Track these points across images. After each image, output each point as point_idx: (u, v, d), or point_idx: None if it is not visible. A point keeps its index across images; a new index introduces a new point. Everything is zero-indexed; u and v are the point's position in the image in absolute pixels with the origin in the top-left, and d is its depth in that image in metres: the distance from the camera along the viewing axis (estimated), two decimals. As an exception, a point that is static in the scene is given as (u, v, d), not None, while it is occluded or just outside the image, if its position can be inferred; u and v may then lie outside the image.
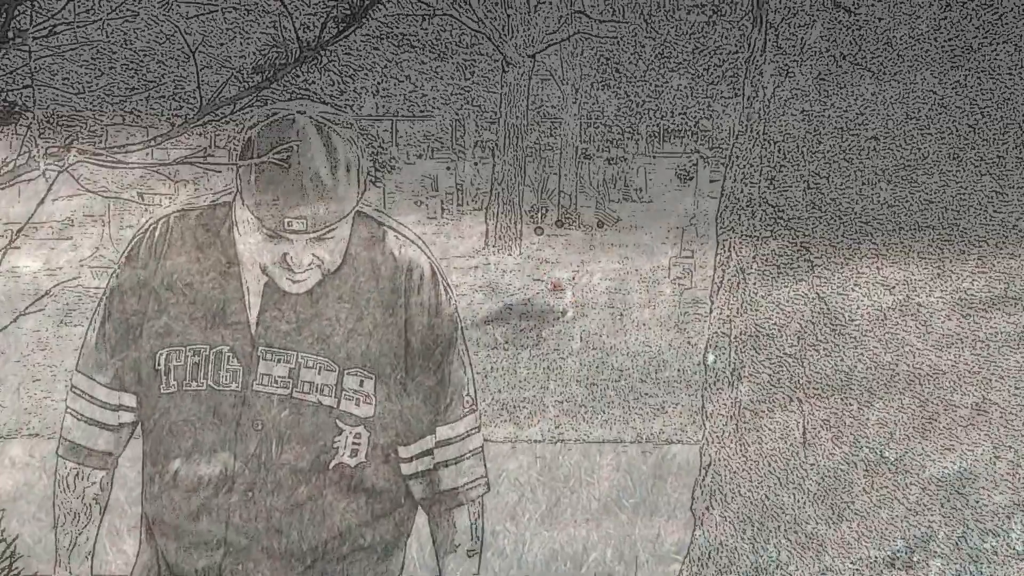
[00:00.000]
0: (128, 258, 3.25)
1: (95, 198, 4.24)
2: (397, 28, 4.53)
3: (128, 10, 3.91)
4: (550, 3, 4.53)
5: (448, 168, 4.85)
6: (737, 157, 3.93)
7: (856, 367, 3.97)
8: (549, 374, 4.55)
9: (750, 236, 3.88)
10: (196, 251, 3.22)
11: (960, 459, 4.12)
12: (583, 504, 4.60)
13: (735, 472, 4.10)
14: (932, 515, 4.12)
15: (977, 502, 4.11)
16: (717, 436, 4.13)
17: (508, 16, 4.55)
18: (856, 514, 4.05)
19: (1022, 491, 4.23)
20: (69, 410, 3.32)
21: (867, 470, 4.04)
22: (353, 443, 3.20)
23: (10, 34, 3.22)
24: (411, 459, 3.27)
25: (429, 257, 3.31)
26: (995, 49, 3.83)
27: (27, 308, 3.41)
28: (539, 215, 4.74)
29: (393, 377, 3.25)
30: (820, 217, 3.83)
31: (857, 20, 3.80)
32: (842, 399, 4.02)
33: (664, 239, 4.61)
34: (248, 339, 3.18)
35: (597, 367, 4.70)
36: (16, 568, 3.59)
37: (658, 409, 4.65)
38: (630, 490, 4.51)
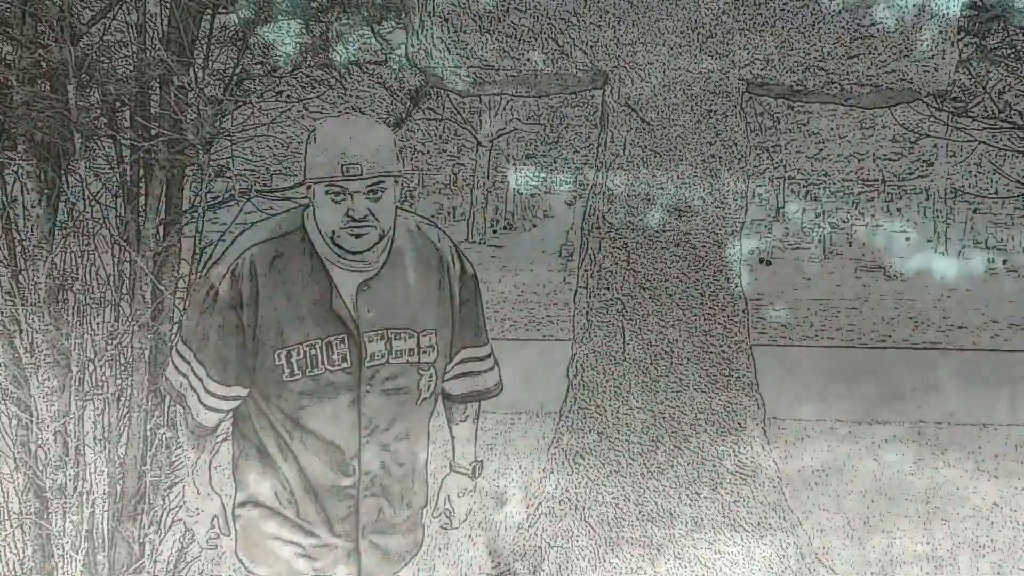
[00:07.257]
0: (230, 284, 3.11)
1: (262, 214, 3.86)
2: (421, 125, 5.82)
3: (283, 119, 4.23)
4: (499, 114, 5.84)
5: (448, 198, 6.14)
6: (592, 196, 4.53)
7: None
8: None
9: (597, 235, 4.52)
10: (293, 272, 3.13)
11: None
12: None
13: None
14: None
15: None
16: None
17: (481, 120, 6.07)
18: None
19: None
20: (184, 400, 3.21)
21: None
22: (429, 381, 3.29)
23: (220, 131, 4.01)
24: (452, 366, 3.40)
25: (446, 234, 3.38)
26: (732, 162, 4.33)
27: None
28: (496, 222, 6.23)
29: (444, 325, 3.30)
30: (632, 228, 4.46)
31: (651, 126, 4.41)
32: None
33: (558, 235, 5.89)
34: (353, 326, 3.14)
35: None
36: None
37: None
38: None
